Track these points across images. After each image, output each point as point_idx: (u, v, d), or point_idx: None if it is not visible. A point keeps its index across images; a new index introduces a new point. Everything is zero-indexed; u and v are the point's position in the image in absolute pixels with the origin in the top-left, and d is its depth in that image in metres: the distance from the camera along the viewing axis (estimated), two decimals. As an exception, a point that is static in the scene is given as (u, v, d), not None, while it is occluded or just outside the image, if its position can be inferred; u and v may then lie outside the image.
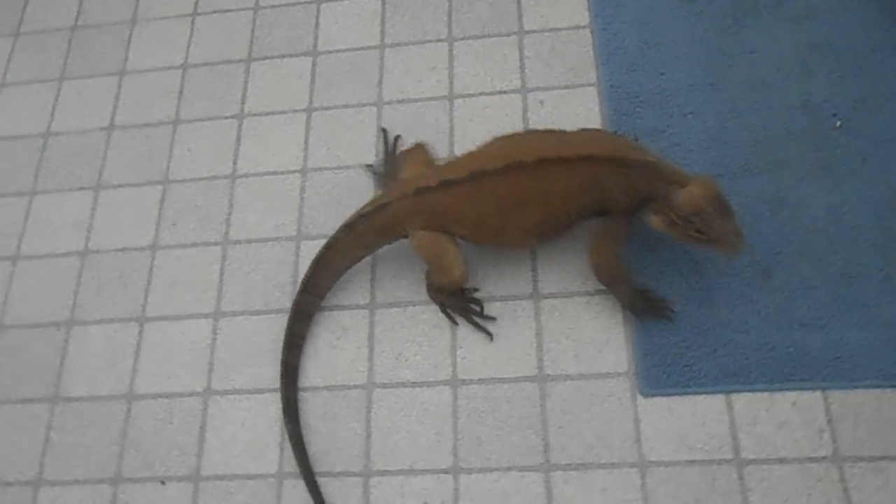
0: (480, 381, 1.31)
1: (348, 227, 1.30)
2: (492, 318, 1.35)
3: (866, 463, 1.17)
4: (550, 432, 1.25)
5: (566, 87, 1.52)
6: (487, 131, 1.39)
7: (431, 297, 1.37)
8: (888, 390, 1.22)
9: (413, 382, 1.32)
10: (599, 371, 1.28)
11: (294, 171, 1.53)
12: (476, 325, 1.34)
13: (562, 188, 1.21)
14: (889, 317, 1.26)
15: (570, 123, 1.41)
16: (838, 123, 1.39)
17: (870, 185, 1.35)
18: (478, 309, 1.35)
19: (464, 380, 1.31)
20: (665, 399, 1.25)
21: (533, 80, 1.54)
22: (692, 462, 1.20)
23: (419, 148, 1.43)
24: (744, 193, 1.36)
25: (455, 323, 1.36)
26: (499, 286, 1.38)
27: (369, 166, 1.50)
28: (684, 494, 1.18)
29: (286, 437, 1.29)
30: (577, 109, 1.49)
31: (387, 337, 1.36)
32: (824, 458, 1.18)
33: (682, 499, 1.18)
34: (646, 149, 1.28)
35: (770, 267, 1.31)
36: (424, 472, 1.25)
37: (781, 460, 1.19)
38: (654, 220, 1.21)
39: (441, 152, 1.48)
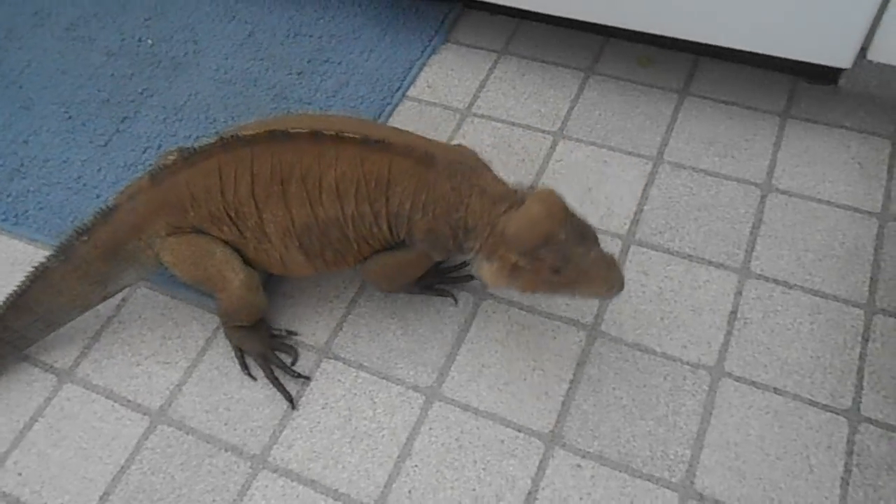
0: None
1: (63, 252, 0.93)
2: (304, 377, 0.98)
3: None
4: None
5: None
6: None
7: (227, 337, 0.99)
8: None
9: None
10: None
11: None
12: (276, 384, 0.96)
13: (335, 178, 0.87)
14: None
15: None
16: (150, 42, 1.51)
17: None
18: (288, 360, 0.99)
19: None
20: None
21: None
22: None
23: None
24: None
25: (251, 377, 0.98)
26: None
27: None
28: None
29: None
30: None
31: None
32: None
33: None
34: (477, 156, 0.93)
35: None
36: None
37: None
38: (489, 270, 0.85)
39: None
